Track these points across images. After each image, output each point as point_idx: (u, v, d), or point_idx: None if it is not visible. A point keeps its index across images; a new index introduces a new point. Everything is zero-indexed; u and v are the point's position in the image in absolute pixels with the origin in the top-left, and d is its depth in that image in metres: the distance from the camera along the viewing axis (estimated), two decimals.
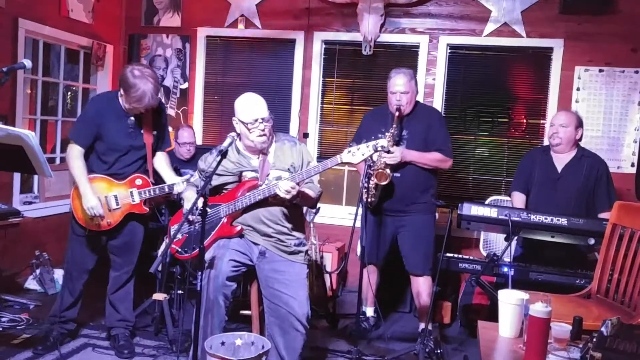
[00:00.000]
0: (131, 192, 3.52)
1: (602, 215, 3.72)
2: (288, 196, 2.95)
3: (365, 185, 3.53)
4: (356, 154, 2.97)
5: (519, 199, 4.04)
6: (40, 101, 5.25)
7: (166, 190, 3.53)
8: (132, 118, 3.50)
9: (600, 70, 5.00)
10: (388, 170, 3.78)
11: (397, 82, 3.92)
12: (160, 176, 3.66)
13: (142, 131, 3.55)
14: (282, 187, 2.94)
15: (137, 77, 3.31)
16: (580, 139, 3.96)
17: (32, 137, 2.65)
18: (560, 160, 3.95)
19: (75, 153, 3.43)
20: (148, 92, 3.31)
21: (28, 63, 3.04)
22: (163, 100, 5.93)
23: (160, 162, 3.69)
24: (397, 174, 3.90)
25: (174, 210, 4.16)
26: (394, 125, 3.84)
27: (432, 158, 3.93)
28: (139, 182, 3.54)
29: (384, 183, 3.79)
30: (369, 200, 3.84)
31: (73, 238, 3.60)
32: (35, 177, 5.11)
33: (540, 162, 4.02)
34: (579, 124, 3.93)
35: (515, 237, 3.67)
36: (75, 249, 3.61)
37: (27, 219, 4.62)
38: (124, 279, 3.72)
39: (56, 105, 5.48)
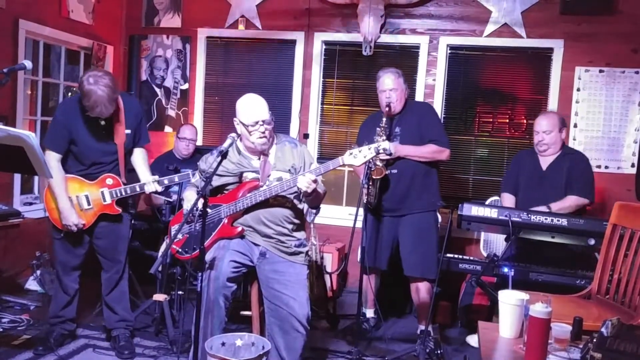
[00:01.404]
0: (102, 191, 3.50)
1: (570, 197, 3.82)
2: (309, 190, 2.95)
3: (366, 186, 3.54)
4: (358, 156, 2.97)
5: (508, 199, 4.11)
6: (41, 102, 5.25)
7: (137, 189, 3.52)
8: (103, 120, 3.48)
9: (601, 71, 5.00)
10: (380, 164, 3.77)
11: (386, 80, 3.97)
12: (135, 173, 3.66)
13: (113, 131, 3.53)
14: (303, 180, 2.94)
15: (91, 84, 3.25)
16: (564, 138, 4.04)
17: (32, 138, 2.65)
18: (546, 159, 4.01)
19: (53, 164, 3.38)
20: (100, 101, 3.25)
21: (28, 64, 3.04)
22: (163, 102, 5.94)
23: (138, 158, 3.68)
24: (394, 170, 3.89)
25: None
26: (384, 119, 3.85)
27: (427, 150, 3.92)
28: (109, 181, 3.52)
29: (378, 177, 3.79)
30: (369, 199, 3.84)
31: (54, 240, 3.60)
32: (36, 178, 5.11)
33: (527, 162, 4.09)
34: (562, 124, 3.99)
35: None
36: (58, 249, 3.61)
37: (28, 219, 4.62)
38: (115, 279, 3.70)
39: (56, 105, 5.48)
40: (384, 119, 3.86)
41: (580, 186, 3.85)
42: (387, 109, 3.89)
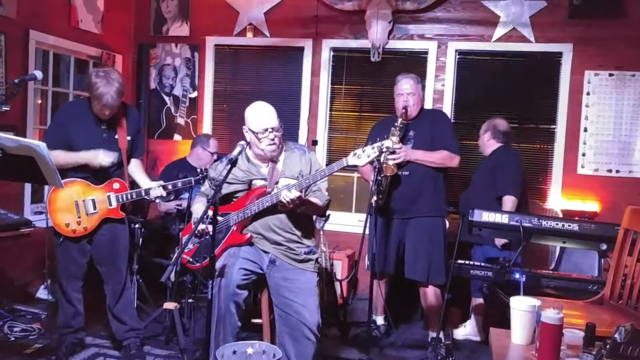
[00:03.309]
0: (108, 196, 3.50)
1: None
2: (290, 206, 2.96)
3: (375, 191, 3.53)
4: (362, 156, 2.97)
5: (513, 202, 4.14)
6: (50, 111, 5.29)
7: (143, 194, 3.53)
8: (106, 123, 3.50)
9: (611, 75, 4.97)
10: (391, 162, 3.77)
11: (404, 84, 4.00)
12: (136, 183, 3.67)
13: (116, 136, 3.55)
14: (285, 196, 2.95)
15: (99, 77, 3.33)
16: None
17: (43, 148, 2.66)
18: None
19: (54, 152, 3.37)
20: (107, 93, 3.32)
21: (39, 74, 3.06)
22: (172, 110, 5.96)
23: (135, 168, 3.68)
24: (406, 172, 3.89)
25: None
26: (400, 119, 3.86)
27: (438, 156, 3.92)
28: (116, 186, 3.52)
29: (390, 174, 3.78)
30: (376, 198, 3.82)
31: (56, 248, 3.59)
32: (46, 187, 5.13)
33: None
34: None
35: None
36: (60, 257, 3.60)
37: (38, 228, 4.63)
38: (119, 290, 3.68)
39: None
40: (400, 120, 3.87)
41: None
42: (403, 111, 3.89)
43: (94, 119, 3.49)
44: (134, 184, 3.68)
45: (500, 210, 3.70)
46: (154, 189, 3.52)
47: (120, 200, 3.51)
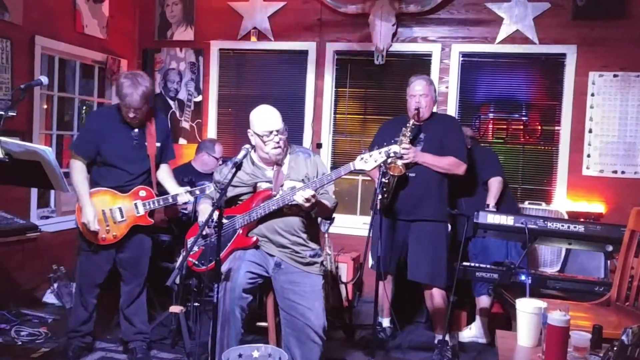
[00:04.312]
0: (135, 203, 3.52)
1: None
2: (307, 204, 2.95)
3: (379, 193, 3.53)
4: (369, 160, 2.97)
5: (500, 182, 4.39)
6: (56, 116, 5.31)
7: (170, 200, 3.55)
8: (136, 130, 3.53)
9: (615, 76, 4.96)
10: (399, 162, 3.77)
11: (417, 86, 4.00)
12: (163, 188, 3.68)
13: (145, 143, 3.57)
14: (301, 195, 2.94)
15: (127, 78, 3.38)
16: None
17: (49, 153, 2.67)
18: None
19: (77, 166, 3.48)
20: (132, 93, 3.35)
21: (45, 80, 3.08)
22: (177, 114, 5.98)
23: (164, 174, 3.71)
24: (412, 174, 3.89)
25: (183, 226, 4.19)
26: (412, 121, 3.87)
27: (446, 162, 3.92)
28: (142, 193, 3.55)
29: (397, 174, 3.78)
30: (381, 197, 3.81)
31: (81, 253, 3.62)
32: (52, 191, 5.16)
33: None
34: None
35: None
36: (84, 263, 3.63)
37: (45, 233, 4.65)
38: (136, 292, 3.72)
39: (71, 120, 5.55)
40: (412, 121, 3.87)
41: None
42: (415, 112, 3.89)
43: (123, 126, 3.52)
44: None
45: (505, 212, 3.70)
46: (182, 195, 3.53)
47: (148, 207, 3.53)
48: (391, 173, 3.77)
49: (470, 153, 4.21)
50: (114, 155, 3.51)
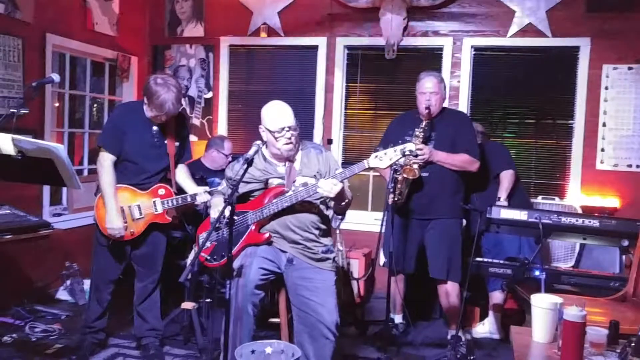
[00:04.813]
0: (154, 201, 3.53)
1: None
2: (332, 194, 2.92)
3: (392, 190, 3.50)
4: (384, 158, 2.95)
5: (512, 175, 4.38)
6: (68, 114, 5.33)
7: (189, 200, 3.54)
8: (156, 127, 3.53)
9: (630, 68, 4.90)
10: (415, 166, 3.75)
11: (427, 83, 3.93)
12: (181, 188, 3.68)
13: (165, 141, 3.58)
14: (325, 184, 2.92)
15: (159, 85, 3.35)
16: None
17: (61, 150, 2.68)
18: None
19: (107, 164, 3.46)
20: (169, 99, 3.34)
21: (56, 77, 3.08)
22: (188, 111, 5.99)
23: (181, 173, 3.70)
24: (425, 174, 3.86)
25: (196, 221, 4.18)
26: (424, 122, 3.83)
27: (459, 159, 3.89)
28: (161, 191, 3.56)
29: (412, 178, 3.76)
30: (396, 199, 3.80)
31: (97, 248, 3.63)
32: (64, 189, 5.18)
33: None
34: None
35: None
36: (100, 259, 3.64)
37: (57, 230, 4.65)
38: (150, 289, 3.73)
39: (83, 117, 5.56)
40: (424, 122, 3.84)
41: None
42: (426, 111, 3.86)
43: (145, 124, 3.52)
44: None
45: (519, 207, 3.67)
46: (201, 194, 3.52)
47: (166, 205, 3.54)
48: (405, 176, 3.75)
49: (481, 148, 4.18)
50: (134, 151, 3.51)
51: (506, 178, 4.30)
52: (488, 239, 4.30)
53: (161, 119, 3.47)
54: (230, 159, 4.90)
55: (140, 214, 3.52)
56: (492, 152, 4.39)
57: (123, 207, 3.48)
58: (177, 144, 3.63)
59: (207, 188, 3.58)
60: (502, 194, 4.24)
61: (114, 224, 3.43)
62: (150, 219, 3.55)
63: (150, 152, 3.54)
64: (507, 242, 4.20)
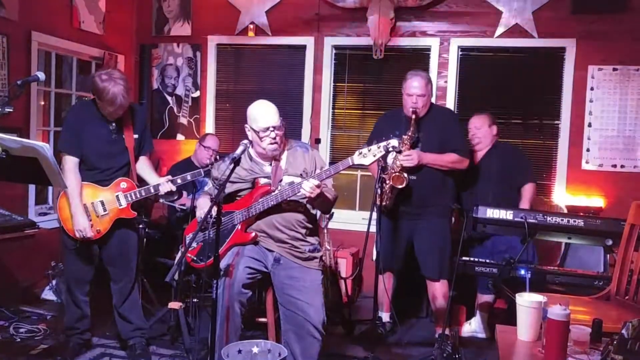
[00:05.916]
0: (117, 196, 3.48)
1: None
2: (313, 195, 2.93)
3: (379, 189, 3.51)
4: (367, 155, 2.96)
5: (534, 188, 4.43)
6: (54, 112, 5.29)
7: (152, 190, 3.50)
8: (114, 124, 3.50)
9: (614, 69, 4.95)
10: (405, 174, 3.76)
11: (414, 84, 3.91)
12: (144, 181, 3.64)
13: (123, 136, 3.53)
14: (306, 186, 2.93)
15: (105, 81, 3.32)
16: (497, 134, 4.50)
17: (47, 149, 2.65)
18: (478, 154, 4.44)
19: (70, 166, 3.41)
20: (119, 92, 3.31)
21: (42, 75, 3.05)
22: (175, 110, 5.96)
23: (143, 166, 3.66)
24: (414, 177, 3.87)
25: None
26: (412, 129, 3.83)
27: (448, 159, 3.90)
28: (123, 185, 3.51)
29: (400, 186, 3.77)
30: (384, 204, 3.82)
31: (65, 251, 3.57)
32: (50, 188, 5.14)
33: None
34: (492, 122, 4.47)
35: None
36: (70, 261, 3.59)
37: (43, 230, 4.63)
38: (128, 289, 3.68)
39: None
40: (412, 128, 3.84)
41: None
42: (413, 115, 3.86)
43: (101, 121, 3.48)
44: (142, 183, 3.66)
45: (504, 207, 3.68)
46: (163, 184, 3.48)
47: (130, 198, 3.49)
48: (393, 184, 3.76)
49: (498, 151, 4.29)
50: (93, 150, 3.46)
51: (529, 191, 4.33)
52: (500, 241, 4.26)
53: (118, 114, 3.43)
54: (212, 153, 4.90)
55: (105, 209, 3.46)
56: (516, 162, 4.44)
57: (86, 204, 3.42)
58: (135, 136, 3.58)
59: (169, 177, 3.53)
60: (525, 207, 4.23)
61: (80, 224, 3.38)
62: (115, 214, 3.49)
63: (109, 149, 3.49)
64: (520, 244, 4.19)
